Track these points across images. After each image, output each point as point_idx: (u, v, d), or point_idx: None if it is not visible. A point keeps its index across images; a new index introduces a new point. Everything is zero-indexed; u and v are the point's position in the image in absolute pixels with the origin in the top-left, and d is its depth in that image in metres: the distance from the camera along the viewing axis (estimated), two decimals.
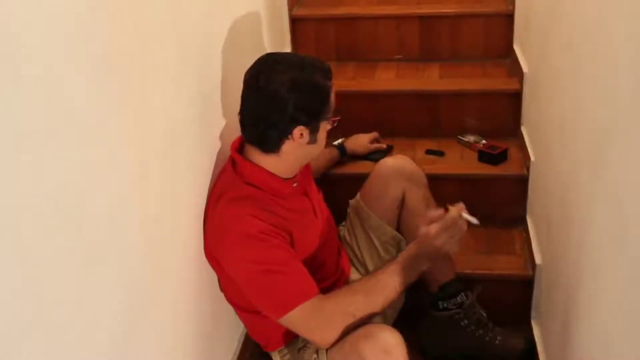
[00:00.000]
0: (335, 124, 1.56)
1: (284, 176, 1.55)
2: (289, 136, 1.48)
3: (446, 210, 1.51)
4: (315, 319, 1.44)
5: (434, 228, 1.49)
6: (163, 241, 1.32)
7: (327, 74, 1.53)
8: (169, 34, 1.34)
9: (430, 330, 1.89)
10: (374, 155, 2.17)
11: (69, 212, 0.95)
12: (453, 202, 2.17)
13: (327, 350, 1.47)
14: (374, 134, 2.25)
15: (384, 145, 2.25)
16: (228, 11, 1.76)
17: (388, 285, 1.48)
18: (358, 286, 1.50)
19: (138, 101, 1.19)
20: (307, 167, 1.70)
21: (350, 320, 1.44)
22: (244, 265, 1.45)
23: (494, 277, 2.00)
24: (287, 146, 1.50)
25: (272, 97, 1.46)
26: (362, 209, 1.83)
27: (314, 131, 1.50)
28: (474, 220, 1.51)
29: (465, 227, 1.50)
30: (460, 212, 1.50)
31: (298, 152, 1.52)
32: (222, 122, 1.65)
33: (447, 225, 1.48)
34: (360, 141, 2.21)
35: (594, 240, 1.25)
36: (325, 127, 1.54)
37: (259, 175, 1.52)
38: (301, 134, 1.49)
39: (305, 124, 1.48)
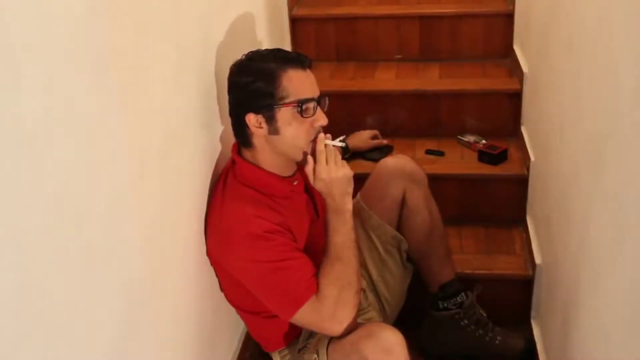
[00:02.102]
0: (302, 112, 1.44)
1: (282, 174, 1.55)
2: (246, 125, 1.47)
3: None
4: (326, 307, 1.44)
5: (309, 171, 1.50)
6: (163, 241, 1.32)
7: (287, 61, 1.46)
8: (169, 34, 1.34)
9: (430, 330, 1.89)
10: (375, 155, 2.17)
11: (69, 212, 0.95)
12: (454, 202, 2.20)
13: (327, 350, 1.47)
14: (374, 131, 2.26)
15: (385, 141, 2.26)
16: (228, 11, 1.76)
17: (343, 239, 1.49)
18: (327, 259, 1.49)
19: (138, 101, 1.19)
20: None
21: (351, 290, 1.45)
22: (251, 266, 1.45)
23: (494, 277, 2.00)
24: (255, 139, 1.49)
25: (229, 87, 1.52)
26: (363, 209, 1.83)
27: (270, 120, 1.45)
28: (338, 143, 1.55)
29: (337, 151, 1.52)
30: (322, 143, 1.50)
31: (267, 145, 1.49)
32: (223, 122, 1.65)
33: (319, 160, 1.49)
34: (362, 137, 2.23)
35: (593, 240, 1.25)
36: (283, 116, 1.45)
37: (257, 175, 1.52)
38: (259, 123, 1.46)
39: (255, 111, 1.45)
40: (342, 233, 1.50)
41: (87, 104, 1.00)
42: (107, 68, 1.06)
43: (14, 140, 0.82)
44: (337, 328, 1.45)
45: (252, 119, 1.46)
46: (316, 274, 1.47)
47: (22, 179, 0.84)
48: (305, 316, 1.45)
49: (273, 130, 1.46)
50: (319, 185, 1.51)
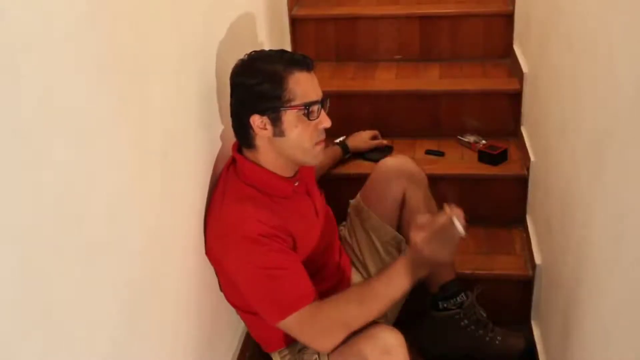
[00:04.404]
0: (308, 115, 1.45)
1: (283, 174, 1.55)
2: (250, 126, 1.47)
3: (444, 210, 1.44)
4: (311, 327, 1.44)
5: (419, 238, 1.42)
6: (163, 241, 1.32)
7: (293, 63, 1.45)
8: (169, 34, 1.34)
9: (430, 331, 1.89)
10: (375, 156, 2.17)
11: (69, 212, 0.95)
12: (454, 203, 2.18)
13: None
14: (374, 131, 2.26)
15: (385, 141, 2.26)
16: (228, 11, 1.76)
17: (383, 294, 1.44)
18: (352, 294, 1.47)
19: (138, 101, 1.19)
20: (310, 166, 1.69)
21: (345, 330, 1.43)
22: (244, 268, 1.45)
23: (494, 277, 2.00)
24: (259, 140, 1.49)
25: (232, 87, 1.51)
26: (363, 209, 1.83)
27: (275, 122, 1.45)
28: (461, 229, 1.40)
29: (456, 234, 1.41)
30: (451, 217, 1.41)
31: (271, 146, 1.49)
32: (223, 122, 1.65)
33: (434, 234, 1.41)
34: (362, 137, 2.22)
35: (594, 240, 1.25)
36: (289, 118, 1.45)
37: (258, 174, 1.52)
38: (263, 125, 1.46)
39: (261, 112, 1.45)
40: (389, 288, 1.44)
41: (87, 104, 1.00)
42: (107, 68, 1.06)
43: (13, 140, 0.82)
44: (321, 350, 1.45)
45: (257, 120, 1.46)
46: (309, 285, 1.46)
47: (22, 178, 0.84)
48: (290, 327, 1.45)
49: (278, 132, 1.46)
50: (416, 254, 1.44)
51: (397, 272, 1.45)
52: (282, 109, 1.44)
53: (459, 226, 1.41)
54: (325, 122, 1.50)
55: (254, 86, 1.45)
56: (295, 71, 1.45)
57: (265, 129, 1.46)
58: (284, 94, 1.44)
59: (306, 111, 1.45)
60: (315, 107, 1.47)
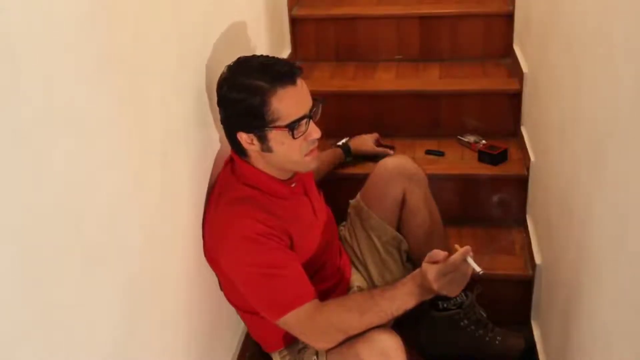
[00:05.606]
0: (293, 133, 1.42)
1: (279, 177, 1.55)
2: (238, 141, 1.46)
3: (454, 250, 1.45)
4: (309, 326, 1.45)
5: (432, 271, 1.43)
6: (163, 241, 1.32)
7: (277, 78, 1.40)
8: (169, 34, 1.34)
9: (430, 331, 1.89)
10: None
11: (69, 212, 0.95)
12: (454, 202, 2.20)
13: (327, 352, 1.47)
14: (375, 135, 2.25)
15: (391, 152, 2.22)
16: (228, 11, 1.76)
17: (385, 311, 1.44)
18: (354, 303, 1.47)
19: (138, 101, 1.19)
20: None
21: (343, 336, 1.44)
22: (241, 267, 1.45)
23: (494, 277, 2.00)
24: (249, 151, 1.49)
25: (218, 98, 1.49)
26: (363, 209, 1.83)
27: (262, 139, 1.44)
28: (477, 268, 1.42)
29: (468, 272, 1.43)
30: (464, 256, 1.43)
31: (261, 159, 1.49)
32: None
33: (447, 270, 1.42)
34: (365, 141, 2.20)
35: (593, 240, 1.25)
36: (275, 136, 1.43)
37: (255, 175, 1.52)
38: (251, 141, 1.45)
39: (246, 130, 1.44)
40: (391, 305, 1.45)
41: (87, 103, 1.00)
42: (107, 68, 1.06)
43: (13, 140, 0.82)
44: (318, 348, 1.47)
45: (243, 136, 1.45)
46: (308, 284, 1.47)
47: (21, 178, 0.84)
48: (289, 324, 1.46)
49: (266, 148, 1.45)
50: (425, 283, 1.45)
51: (402, 293, 1.46)
52: (266, 128, 1.42)
53: (475, 265, 1.43)
54: (314, 133, 1.46)
55: (238, 103, 1.42)
56: (279, 88, 1.40)
57: (253, 144, 1.45)
58: (267, 115, 1.40)
59: (291, 131, 1.42)
60: (303, 122, 1.43)
